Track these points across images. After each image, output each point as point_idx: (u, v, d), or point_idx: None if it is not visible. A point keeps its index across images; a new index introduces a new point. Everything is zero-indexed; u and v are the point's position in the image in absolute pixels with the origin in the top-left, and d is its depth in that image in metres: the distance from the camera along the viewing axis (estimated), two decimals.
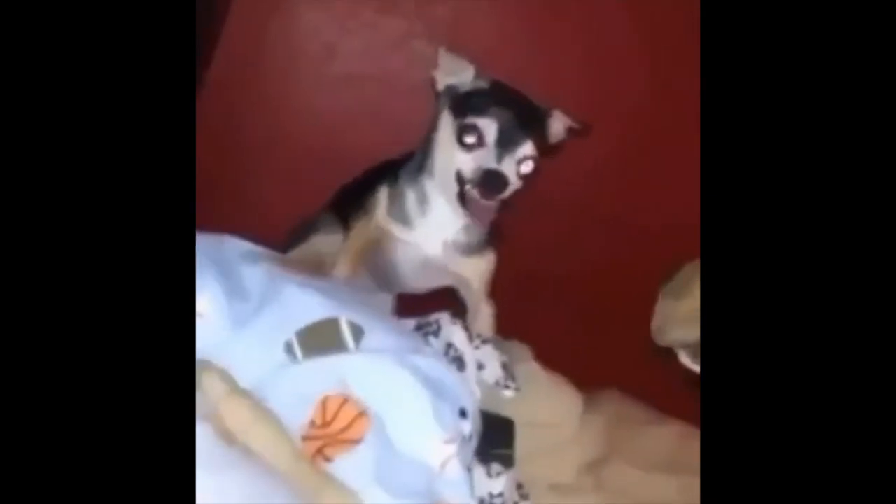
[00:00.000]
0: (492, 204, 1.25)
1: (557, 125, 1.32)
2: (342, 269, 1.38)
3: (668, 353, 0.94)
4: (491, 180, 1.22)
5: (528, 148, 1.25)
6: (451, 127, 1.27)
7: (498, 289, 1.44)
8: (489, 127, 1.24)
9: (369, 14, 1.61)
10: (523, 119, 1.25)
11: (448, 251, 1.36)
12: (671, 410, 1.36)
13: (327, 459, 1.00)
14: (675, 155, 1.48)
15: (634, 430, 1.35)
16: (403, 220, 1.36)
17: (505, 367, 1.30)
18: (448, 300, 1.43)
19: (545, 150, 1.29)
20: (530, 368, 1.35)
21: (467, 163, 1.25)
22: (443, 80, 1.31)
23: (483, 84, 1.30)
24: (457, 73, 1.31)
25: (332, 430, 1.01)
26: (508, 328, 1.43)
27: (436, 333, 1.28)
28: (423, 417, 1.05)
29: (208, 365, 1.00)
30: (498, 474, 1.16)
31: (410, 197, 1.35)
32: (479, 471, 1.14)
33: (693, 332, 0.90)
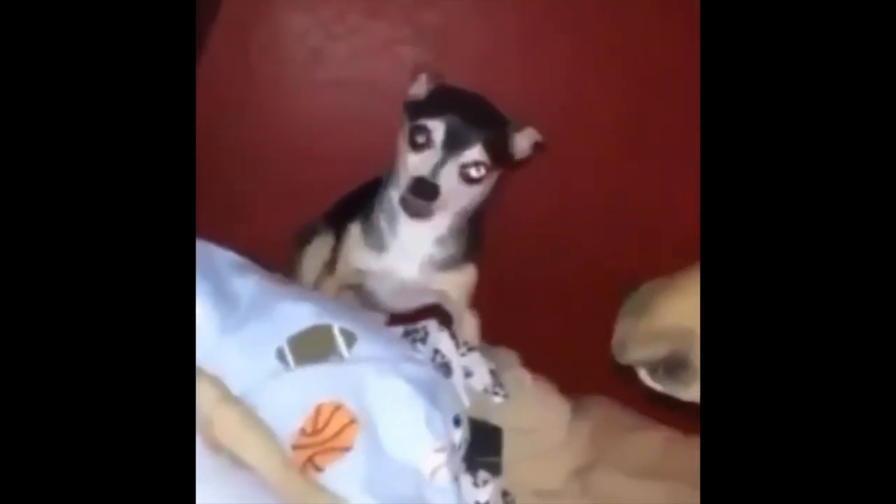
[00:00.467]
0: (424, 208, 1.24)
1: (523, 141, 1.31)
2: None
3: (629, 371, 0.94)
4: (418, 188, 1.22)
5: (475, 153, 1.23)
6: (406, 131, 1.27)
7: (485, 296, 1.44)
8: (438, 128, 1.24)
9: (356, 19, 1.61)
10: (477, 124, 1.25)
11: (425, 271, 1.35)
12: (658, 416, 1.36)
13: (318, 469, 1.00)
14: (670, 161, 1.49)
15: (621, 435, 1.35)
16: (378, 246, 1.35)
17: (493, 373, 1.30)
18: (434, 311, 1.43)
19: (503, 161, 1.29)
20: (518, 375, 1.35)
21: (415, 164, 1.24)
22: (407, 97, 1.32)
23: (441, 89, 1.31)
24: (417, 88, 1.32)
25: (322, 438, 1.01)
26: (495, 335, 1.43)
27: (423, 340, 1.28)
28: (415, 425, 1.04)
29: (200, 371, 1.00)
30: (485, 482, 1.15)
31: (381, 218, 1.34)
32: (465, 479, 1.14)
33: (653, 351, 0.90)
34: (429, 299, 1.42)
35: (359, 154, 1.47)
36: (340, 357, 1.08)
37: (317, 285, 1.44)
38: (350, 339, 1.09)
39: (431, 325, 1.30)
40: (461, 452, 1.13)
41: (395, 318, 1.46)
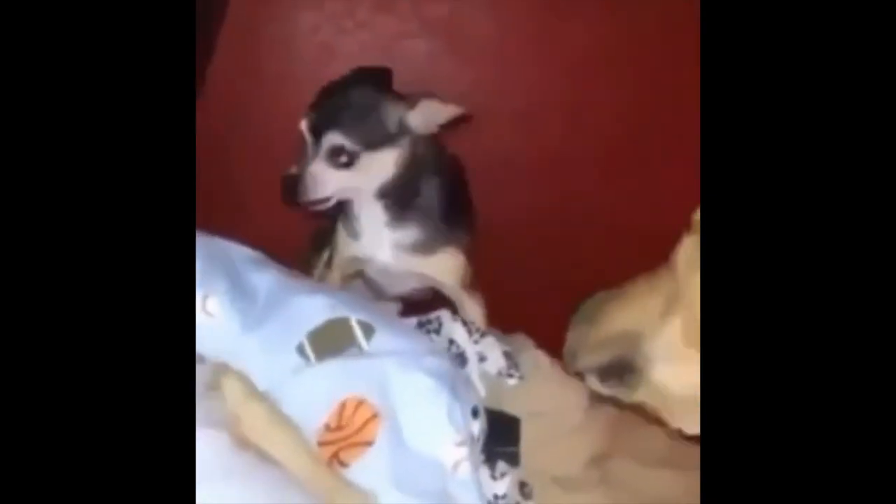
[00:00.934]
0: (304, 201, 1.27)
1: (417, 117, 1.28)
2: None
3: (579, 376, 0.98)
4: (286, 184, 1.26)
5: (332, 138, 1.25)
6: None
7: (495, 282, 1.45)
8: (303, 124, 1.27)
9: (365, 14, 1.61)
10: (336, 110, 1.26)
11: (399, 253, 1.37)
12: None
13: (343, 465, 1.01)
14: (674, 152, 1.48)
15: (638, 423, 1.35)
16: (353, 234, 1.38)
17: (507, 355, 1.31)
18: (444, 299, 1.44)
19: (386, 141, 1.28)
20: (534, 356, 1.35)
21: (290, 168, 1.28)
22: None
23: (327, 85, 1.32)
24: None
25: (346, 433, 1.02)
26: (509, 322, 1.44)
27: (437, 331, 1.29)
28: (437, 419, 1.06)
29: (226, 368, 1.01)
30: (502, 475, 1.16)
31: (352, 207, 1.37)
32: (483, 472, 1.14)
33: (601, 357, 0.93)
34: (419, 284, 1.44)
35: None
36: (360, 349, 1.09)
37: (320, 279, 1.46)
38: (368, 331, 1.10)
39: (445, 315, 1.31)
40: (480, 444, 1.14)
41: (408, 309, 1.48)
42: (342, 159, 1.26)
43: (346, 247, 1.40)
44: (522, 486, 1.20)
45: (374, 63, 1.38)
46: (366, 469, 1.00)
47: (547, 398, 1.30)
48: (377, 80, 1.33)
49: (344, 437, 1.02)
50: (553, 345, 1.38)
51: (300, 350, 1.07)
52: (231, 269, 1.14)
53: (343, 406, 1.03)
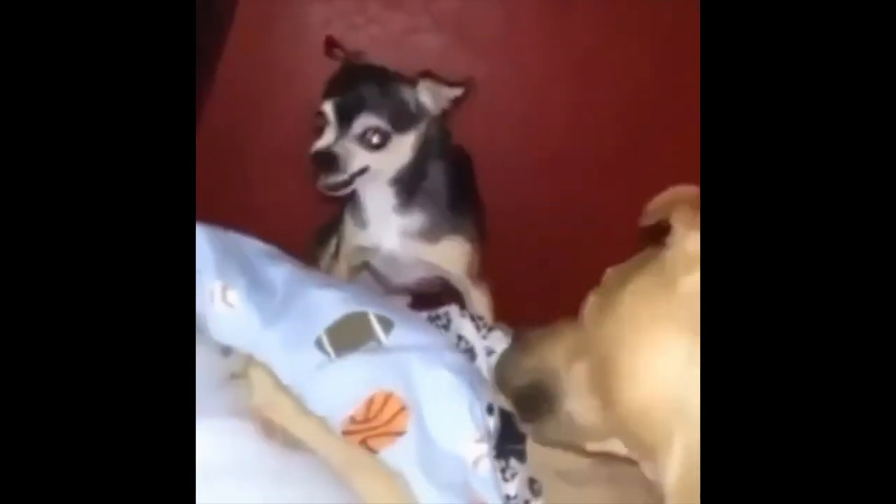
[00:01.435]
0: (333, 182, 1.28)
1: (425, 94, 1.32)
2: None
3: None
4: (319, 159, 1.27)
5: (366, 120, 1.27)
6: None
7: (501, 275, 1.46)
8: (328, 107, 1.28)
9: (376, 9, 1.62)
10: (366, 94, 1.28)
11: (407, 241, 1.38)
12: None
13: (372, 451, 1.01)
14: (676, 141, 1.48)
15: None
16: (361, 223, 1.39)
17: None
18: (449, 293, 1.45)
19: (412, 121, 1.31)
20: None
21: (317, 144, 1.29)
22: None
23: (337, 68, 1.35)
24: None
25: (375, 424, 1.03)
26: (512, 316, 1.45)
27: (446, 326, 1.30)
28: (459, 415, 1.06)
29: (252, 359, 1.02)
30: (513, 476, 1.16)
31: (359, 196, 1.38)
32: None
33: (521, 381, 0.99)
34: (426, 273, 1.45)
35: None
36: (379, 343, 1.09)
37: (327, 272, 1.47)
38: (387, 325, 1.11)
39: (454, 310, 1.31)
40: (493, 441, 1.14)
41: (416, 303, 1.49)
42: (375, 140, 1.27)
43: (354, 236, 1.41)
44: (532, 483, 1.21)
45: (384, 59, 1.39)
46: (395, 455, 1.01)
47: None
48: (377, 68, 1.35)
49: (372, 428, 1.03)
50: None
51: (318, 345, 1.08)
52: (247, 263, 1.14)
53: (371, 401, 1.04)
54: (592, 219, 1.67)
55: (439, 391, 1.06)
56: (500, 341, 1.30)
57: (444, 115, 1.34)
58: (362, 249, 1.42)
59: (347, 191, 1.31)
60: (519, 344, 1.02)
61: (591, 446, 0.95)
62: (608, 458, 1.25)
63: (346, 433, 1.02)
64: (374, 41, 1.61)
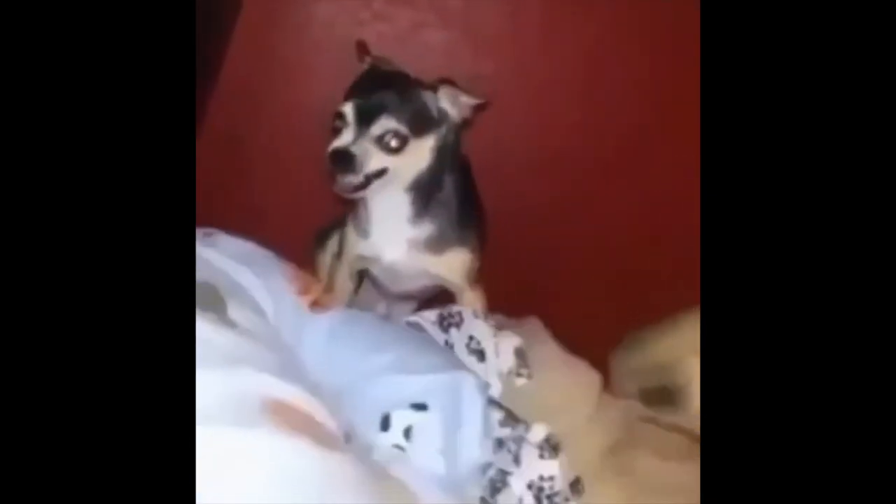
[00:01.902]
0: (349, 183, 1.27)
1: (445, 101, 1.31)
2: (340, 293, 1.43)
3: None
4: (337, 158, 1.26)
5: (386, 123, 1.26)
6: None
7: (505, 270, 1.46)
8: (349, 108, 1.27)
9: (382, 5, 1.61)
10: (387, 97, 1.28)
11: (412, 252, 1.37)
12: None
13: None
14: (676, 141, 1.47)
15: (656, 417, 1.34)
16: (364, 232, 1.38)
17: (518, 353, 1.32)
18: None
19: (431, 126, 1.30)
20: (546, 350, 1.36)
21: (334, 144, 1.28)
22: None
23: (362, 72, 1.34)
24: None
25: None
26: (522, 305, 1.44)
27: (458, 325, 1.31)
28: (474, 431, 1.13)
29: None
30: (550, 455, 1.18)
31: (363, 205, 1.37)
32: (531, 452, 1.17)
33: (643, 383, 1.06)
34: (427, 282, 1.45)
35: None
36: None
37: (330, 272, 1.46)
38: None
39: (466, 310, 1.33)
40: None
41: (423, 302, 1.49)
42: (393, 143, 1.27)
43: (355, 245, 1.40)
44: (575, 483, 1.21)
45: (389, 55, 1.39)
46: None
47: (556, 394, 1.31)
48: (400, 73, 1.34)
49: None
50: (562, 331, 1.40)
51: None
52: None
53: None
54: (592, 218, 1.66)
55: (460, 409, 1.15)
56: (506, 343, 1.31)
57: (464, 124, 1.33)
58: (363, 258, 1.41)
59: (363, 193, 1.30)
60: (634, 344, 1.01)
61: None
62: None
63: None
64: (379, 38, 1.60)
